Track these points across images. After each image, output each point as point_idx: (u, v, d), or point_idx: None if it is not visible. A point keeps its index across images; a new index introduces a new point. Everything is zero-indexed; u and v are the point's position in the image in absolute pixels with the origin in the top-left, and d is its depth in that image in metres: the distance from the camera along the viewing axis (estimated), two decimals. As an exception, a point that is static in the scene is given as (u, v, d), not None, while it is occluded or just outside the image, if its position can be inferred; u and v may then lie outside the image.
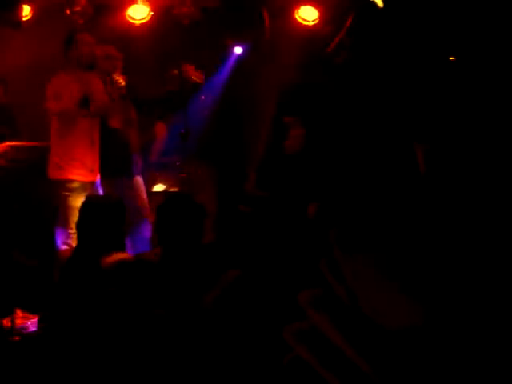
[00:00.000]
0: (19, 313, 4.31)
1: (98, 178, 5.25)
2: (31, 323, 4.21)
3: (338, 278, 1.13)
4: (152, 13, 5.97)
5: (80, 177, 5.10)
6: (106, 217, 3.74)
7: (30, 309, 4.36)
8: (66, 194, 5.03)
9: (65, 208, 5.04)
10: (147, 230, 5.49)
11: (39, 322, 4.03)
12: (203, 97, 6.58)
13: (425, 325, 0.86)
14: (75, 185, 5.06)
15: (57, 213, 5.13)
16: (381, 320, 0.94)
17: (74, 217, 4.41)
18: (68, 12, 5.81)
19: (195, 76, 5.77)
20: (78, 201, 4.80)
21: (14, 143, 5.38)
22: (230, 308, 3.02)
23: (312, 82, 6.07)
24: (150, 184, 5.94)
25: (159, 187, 6.04)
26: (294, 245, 4.47)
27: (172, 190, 5.96)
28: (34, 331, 4.10)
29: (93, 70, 5.22)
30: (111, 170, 5.31)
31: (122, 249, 3.94)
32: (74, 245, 4.63)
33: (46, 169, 5.15)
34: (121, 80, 5.20)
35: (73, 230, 4.78)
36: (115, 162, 5.30)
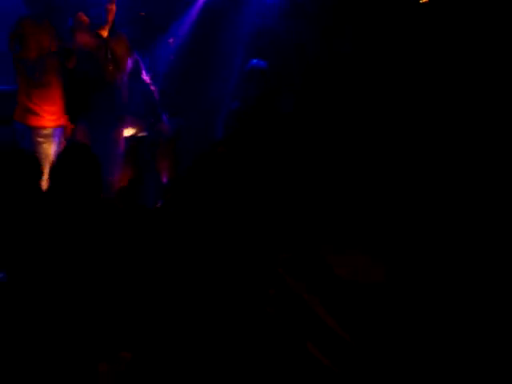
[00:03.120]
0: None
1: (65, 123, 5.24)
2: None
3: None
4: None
5: (52, 123, 5.09)
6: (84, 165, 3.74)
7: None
8: (40, 140, 5.01)
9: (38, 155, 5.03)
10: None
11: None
12: (171, 40, 6.51)
13: (387, 282, 1.00)
14: (48, 131, 5.06)
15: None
16: (348, 276, 1.08)
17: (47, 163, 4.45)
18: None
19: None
20: (51, 147, 4.88)
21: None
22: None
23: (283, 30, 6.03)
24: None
25: (127, 131, 5.98)
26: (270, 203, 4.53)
27: (141, 135, 5.94)
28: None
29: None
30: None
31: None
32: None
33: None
34: None
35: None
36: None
